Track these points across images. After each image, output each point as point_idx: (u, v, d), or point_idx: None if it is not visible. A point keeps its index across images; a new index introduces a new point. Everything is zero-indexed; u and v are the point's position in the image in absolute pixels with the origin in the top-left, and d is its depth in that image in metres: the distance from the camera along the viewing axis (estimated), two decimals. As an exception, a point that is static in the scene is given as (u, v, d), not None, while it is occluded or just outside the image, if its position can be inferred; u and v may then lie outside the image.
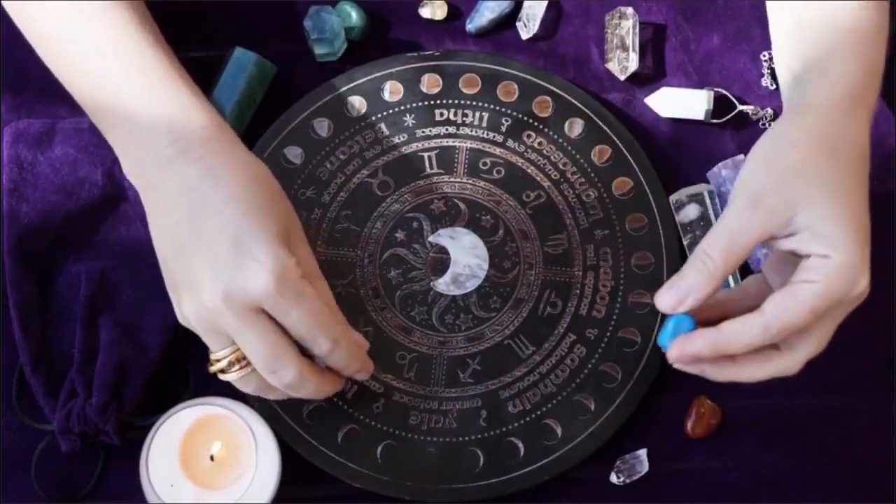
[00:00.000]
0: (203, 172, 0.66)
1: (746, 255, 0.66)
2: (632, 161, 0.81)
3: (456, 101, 0.83)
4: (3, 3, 0.73)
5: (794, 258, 0.66)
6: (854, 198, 0.67)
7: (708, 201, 0.79)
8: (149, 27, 0.70)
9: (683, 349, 0.66)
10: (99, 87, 0.69)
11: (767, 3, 0.78)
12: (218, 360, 0.66)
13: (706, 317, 0.68)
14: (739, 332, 0.65)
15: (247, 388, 0.68)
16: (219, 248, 0.64)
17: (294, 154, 0.81)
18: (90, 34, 0.69)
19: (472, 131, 0.82)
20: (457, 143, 0.82)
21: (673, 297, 0.66)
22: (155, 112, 0.67)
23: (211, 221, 0.64)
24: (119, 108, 0.68)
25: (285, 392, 0.67)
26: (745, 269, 0.80)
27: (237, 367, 0.66)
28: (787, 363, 0.67)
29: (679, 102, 0.83)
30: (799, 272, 0.65)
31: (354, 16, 0.84)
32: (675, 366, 0.68)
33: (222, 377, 0.67)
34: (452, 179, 0.81)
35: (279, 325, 0.65)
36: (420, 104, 0.83)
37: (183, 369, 0.76)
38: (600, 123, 0.82)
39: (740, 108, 0.84)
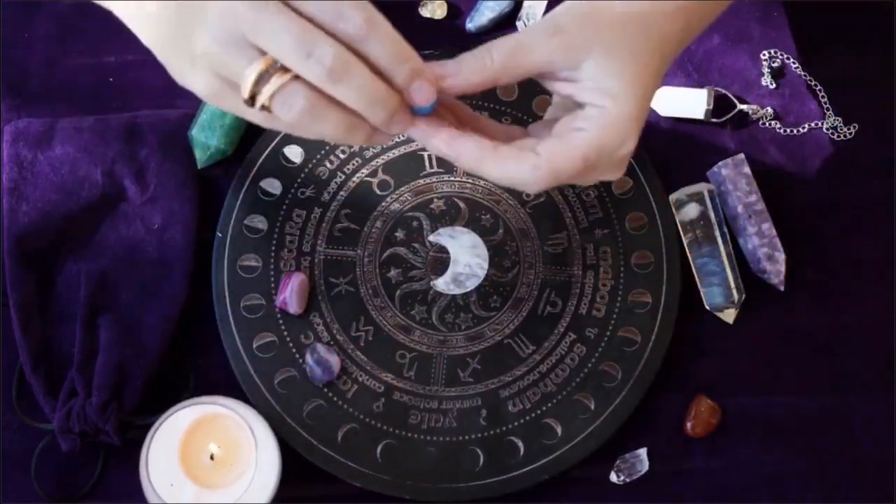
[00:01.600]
0: None
1: (525, 73, 0.62)
2: (632, 160, 0.81)
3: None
4: None
5: (571, 101, 0.64)
6: (647, 72, 0.64)
7: (708, 200, 0.79)
8: None
9: (452, 143, 0.61)
10: None
11: None
12: (250, 77, 0.56)
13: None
14: (511, 161, 0.61)
15: (293, 105, 0.57)
16: None
17: (294, 153, 0.81)
18: None
19: (472, 130, 0.82)
20: (457, 143, 0.82)
21: (439, 69, 0.61)
22: None
23: None
24: None
25: (330, 104, 0.57)
26: (745, 270, 0.80)
27: (274, 76, 0.56)
28: (530, 174, 0.62)
29: (679, 102, 0.83)
30: (574, 120, 0.63)
31: (354, 15, 0.84)
32: (431, 139, 0.61)
33: (259, 100, 0.57)
34: (452, 178, 0.81)
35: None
36: (420, 103, 0.83)
37: (183, 368, 0.76)
38: (600, 123, 0.82)
39: (740, 107, 0.84)
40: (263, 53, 0.56)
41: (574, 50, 0.63)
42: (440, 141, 0.61)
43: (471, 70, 0.61)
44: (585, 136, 0.62)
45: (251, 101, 0.57)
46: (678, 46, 0.67)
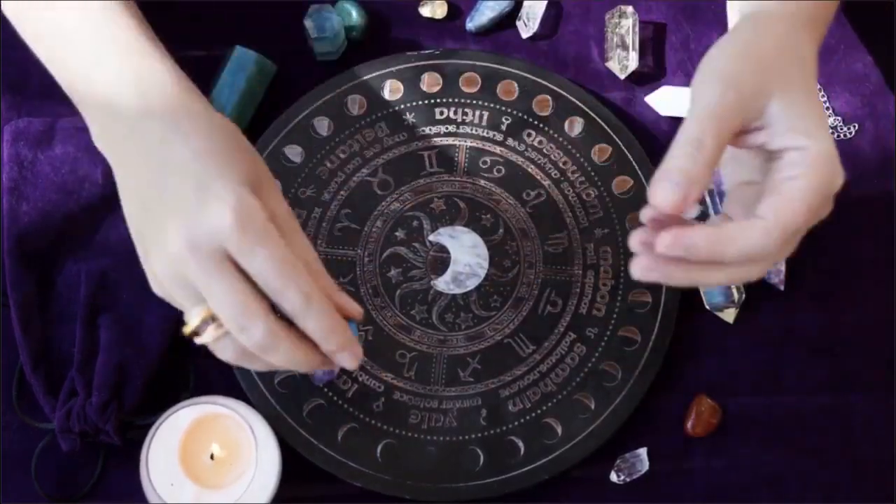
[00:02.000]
0: (168, 127, 0.62)
1: (725, 143, 0.61)
2: (632, 160, 0.81)
3: (456, 100, 0.83)
4: None
5: (756, 185, 0.63)
6: (816, 98, 0.64)
7: (708, 200, 0.79)
8: None
9: (680, 237, 0.59)
10: (66, 60, 0.66)
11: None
12: (189, 321, 0.61)
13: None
14: (741, 233, 0.59)
15: (224, 353, 0.62)
16: (183, 195, 0.59)
17: (294, 153, 0.81)
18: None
19: (472, 130, 0.82)
20: (457, 142, 0.82)
21: (676, 191, 0.59)
22: (117, 72, 0.64)
23: (177, 172, 0.60)
24: (82, 72, 0.65)
25: (262, 357, 0.61)
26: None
27: (210, 327, 0.61)
28: (764, 239, 0.60)
29: (679, 101, 0.83)
30: (780, 171, 0.61)
31: (355, 15, 0.84)
32: (637, 272, 0.61)
33: (197, 340, 0.62)
34: (452, 178, 0.81)
35: (248, 280, 0.60)
36: (420, 103, 0.83)
37: (183, 369, 0.76)
38: (600, 122, 0.82)
39: (740, 107, 0.83)
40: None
41: (754, 98, 0.61)
42: (667, 246, 0.59)
43: (701, 176, 0.59)
44: (801, 184, 0.60)
45: (194, 334, 0.62)
46: (815, 66, 0.66)
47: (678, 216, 0.60)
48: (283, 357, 0.61)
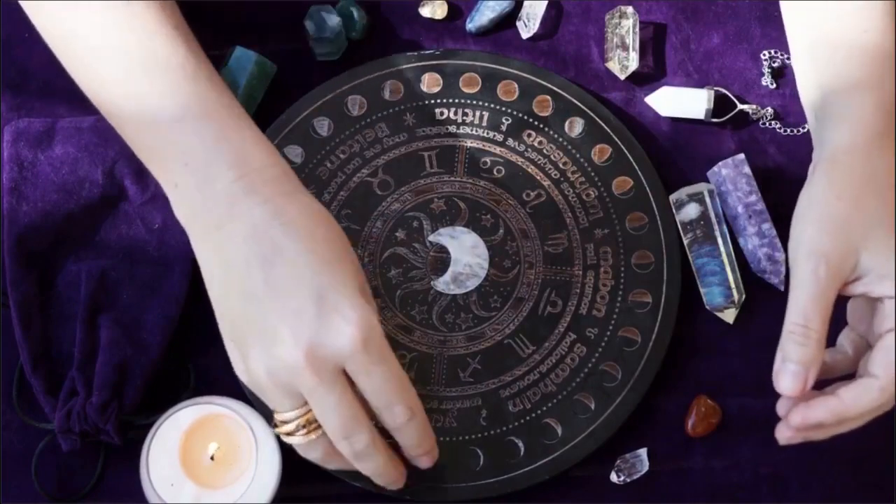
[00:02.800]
0: (272, 215, 0.62)
1: (832, 309, 0.66)
2: (632, 160, 0.81)
3: (456, 101, 0.83)
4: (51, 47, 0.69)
5: (870, 299, 0.68)
6: None
7: (708, 200, 0.79)
8: (203, 60, 0.67)
9: (807, 418, 0.65)
10: (152, 121, 0.64)
11: (786, 26, 0.78)
12: (286, 423, 0.63)
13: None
14: (859, 397, 0.65)
15: (311, 453, 0.65)
16: (300, 301, 0.60)
17: (294, 153, 0.81)
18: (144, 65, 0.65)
19: (472, 130, 0.82)
20: (457, 143, 0.82)
21: (796, 380, 0.65)
22: (217, 147, 0.63)
23: (286, 270, 0.61)
24: (174, 141, 0.64)
25: (349, 462, 0.65)
26: (746, 270, 0.80)
27: (304, 430, 0.63)
28: (882, 397, 0.67)
29: (679, 101, 0.83)
30: (883, 321, 0.66)
31: (355, 15, 0.84)
32: (782, 441, 0.68)
33: (287, 440, 0.64)
34: (452, 178, 0.81)
35: (356, 391, 0.63)
36: (420, 103, 0.83)
37: (183, 368, 0.76)
38: (600, 123, 0.82)
39: (740, 107, 0.84)
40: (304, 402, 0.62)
41: (845, 262, 0.66)
42: (798, 426, 0.66)
43: (815, 358, 0.65)
44: None
45: (276, 427, 0.65)
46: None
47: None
48: (375, 466, 0.65)
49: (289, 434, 0.64)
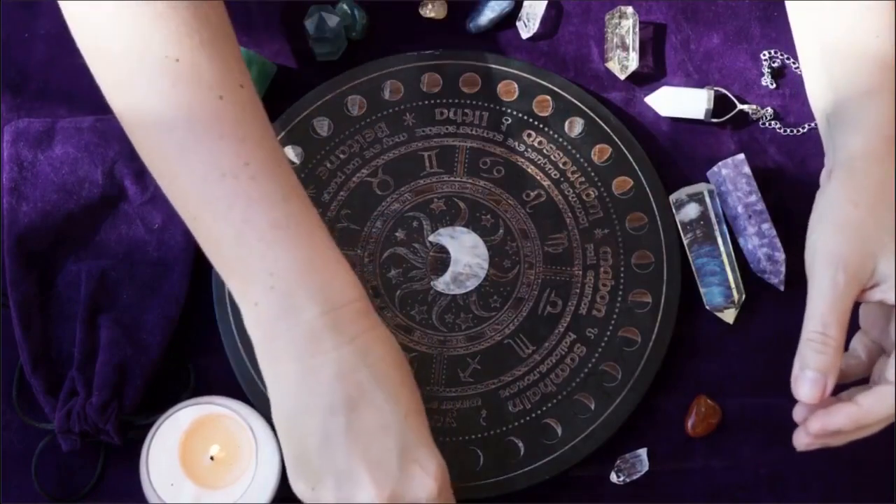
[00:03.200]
0: (359, 356, 0.62)
1: (850, 315, 0.66)
2: (632, 160, 0.81)
3: (456, 101, 0.83)
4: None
5: (885, 306, 0.68)
6: None
7: (708, 200, 0.79)
8: (295, 181, 0.65)
9: (826, 425, 0.66)
10: (242, 239, 0.63)
11: (793, 31, 0.78)
12: None
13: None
14: (878, 403, 0.66)
15: None
16: (384, 451, 0.61)
17: (294, 153, 0.81)
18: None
19: (472, 130, 0.82)
20: (457, 143, 0.82)
21: (814, 388, 0.66)
22: (306, 275, 0.62)
23: (370, 416, 0.62)
24: (265, 264, 0.62)
25: None
26: (746, 270, 0.80)
27: None
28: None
29: (679, 101, 0.83)
30: None
31: (355, 15, 0.84)
32: (800, 447, 0.68)
33: None
34: (452, 178, 0.81)
35: None
36: (420, 103, 0.83)
37: (183, 368, 0.76)
38: (600, 123, 0.82)
39: (740, 107, 0.84)
40: None
41: (862, 268, 0.66)
42: (816, 432, 0.67)
43: (833, 364, 0.66)
44: None
45: None
46: None
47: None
48: None
49: None
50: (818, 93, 0.74)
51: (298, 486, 0.64)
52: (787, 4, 0.78)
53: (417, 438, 0.63)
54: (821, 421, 0.66)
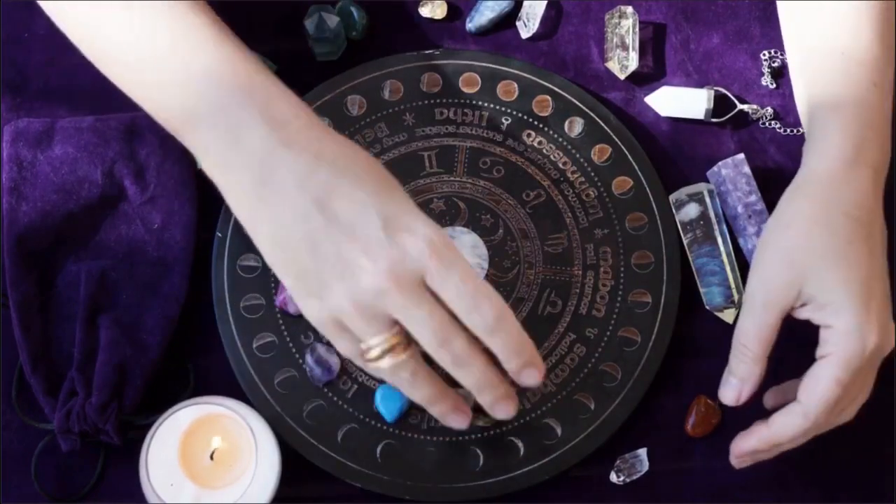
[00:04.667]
0: (315, 160, 0.63)
1: (776, 331, 0.70)
2: (632, 160, 0.81)
3: (456, 101, 0.83)
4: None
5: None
6: (855, 259, 0.69)
7: (708, 200, 0.79)
8: (226, 28, 0.68)
9: (741, 448, 0.71)
10: (179, 86, 0.65)
11: (783, 35, 0.79)
12: (371, 349, 0.63)
13: (776, 403, 0.73)
14: (785, 423, 0.69)
15: (398, 376, 0.64)
16: (367, 229, 0.62)
17: (294, 153, 0.81)
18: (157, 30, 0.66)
19: (471, 130, 0.82)
20: (457, 143, 0.82)
21: (733, 391, 0.71)
22: (247, 104, 0.63)
23: (343, 205, 0.62)
24: (205, 104, 0.64)
25: (437, 385, 0.65)
26: (746, 270, 0.80)
27: (391, 353, 0.63)
28: (805, 421, 0.69)
29: (679, 101, 0.83)
30: (819, 348, 0.69)
31: (355, 15, 0.84)
32: (736, 463, 0.72)
33: (373, 367, 0.64)
34: (452, 178, 0.81)
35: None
36: (420, 103, 0.83)
37: (183, 368, 0.76)
38: (600, 122, 0.82)
39: (740, 107, 0.84)
40: (392, 323, 0.62)
41: (791, 289, 0.69)
42: (738, 458, 0.72)
43: (751, 374, 0.70)
44: (829, 361, 0.68)
45: (362, 357, 0.64)
46: (875, 203, 0.71)
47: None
48: (476, 373, 0.64)
49: (376, 359, 0.63)
50: (800, 103, 0.76)
51: (311, 307, 0.64)
52: (779, 6, 0.79)
53: (399, 207, 0.63)
54: (737, 443, 0.71)
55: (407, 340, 0.63)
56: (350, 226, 0.62)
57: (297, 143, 0.63)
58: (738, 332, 0.70)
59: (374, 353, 0.63)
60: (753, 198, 0.80)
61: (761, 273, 0.70)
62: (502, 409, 0.66)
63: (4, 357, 0.76)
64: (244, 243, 0.78)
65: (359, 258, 0.61)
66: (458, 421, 0.67)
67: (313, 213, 0.62)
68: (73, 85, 0.82)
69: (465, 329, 0.63)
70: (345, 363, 0.76)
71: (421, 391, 0.66)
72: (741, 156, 0.80)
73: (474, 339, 0.64)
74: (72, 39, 0.69)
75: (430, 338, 0.62)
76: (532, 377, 0.65)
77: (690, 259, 0.79)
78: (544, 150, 0.82)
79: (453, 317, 0.63)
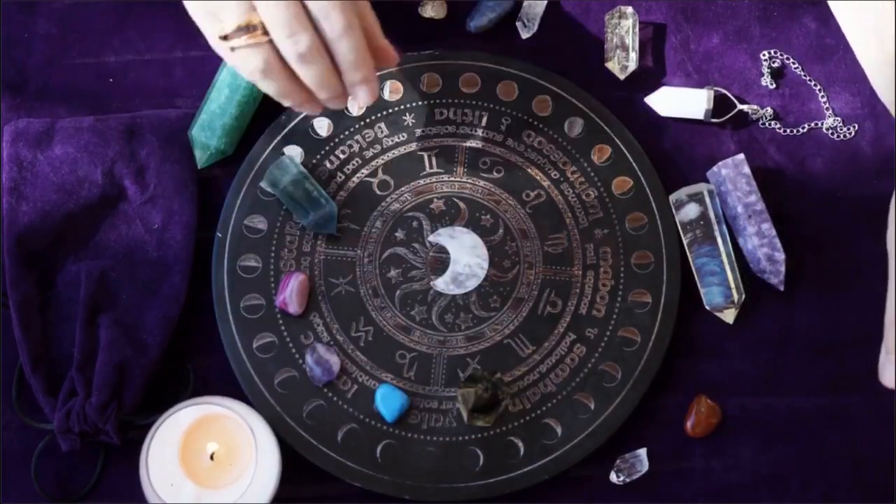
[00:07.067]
0: None
1: None
2: (631, 160, 0.81)
3: (456, 101, 0.83)
4: None
5: None
6: None
7: (708, 200, 0.79)
8: None
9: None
10: None
11: (851, 42, 0.78)
12: (228, 21, 0.65)
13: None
14: None
15: (250, 63, 0.66)
16: None
17: (294, 153, 0.81)
18: None
19: (471, 130, 0.82)
20: (456, 143, 0.82)
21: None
22: None
23: None
24: None
25: (288, 78, 0.66)
26: (745, 270, 0.80)
27: (247, 34, 0.64)
28: None
29: (679, 102, 0.83)
30: None
31: (354, 15, 0.84)
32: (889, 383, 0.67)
33: (226, 46, 0.65)
34: (452, 179, 0.81)
35: None
36: (420, 103, 0.83)
37: (183, 368, 0.76)
38: (600, 123, 0.82)
39: (740, 107, 0.84)
40: (252, 8, 0.64)
41: None
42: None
43: None
44: None
45: (224, 38, 0.65)
46: None
47: None
48: (317, 72, 0.66)
49: (233, 35, 0.65)
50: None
51: (212, 31, 0.65)
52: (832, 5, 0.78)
53: None
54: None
55: (265, 31, 0.65)
56: None
57: None
58: (890, 309, 0.66)
59: (229, 25, 0.64)
60: (753, 198, 0.80)
61: None
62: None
63: (4, 357, 0.76)
64: (244, 243, 0.79)
65: None
66: (311, 108, 0.70)
67: None
68: (73, 85, 0.82)
69: (317, 33, 0.65)
70: (344, 363, 0.76)
71: (275, 83, 0.67)
72: (741, 156, 0.80)
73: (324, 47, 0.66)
74: None
75: (281, 25, 0.64)
76: (363, 96, 0.69)
77: (690, 259, 0.79)
78: (544, 151, 0.82)
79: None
